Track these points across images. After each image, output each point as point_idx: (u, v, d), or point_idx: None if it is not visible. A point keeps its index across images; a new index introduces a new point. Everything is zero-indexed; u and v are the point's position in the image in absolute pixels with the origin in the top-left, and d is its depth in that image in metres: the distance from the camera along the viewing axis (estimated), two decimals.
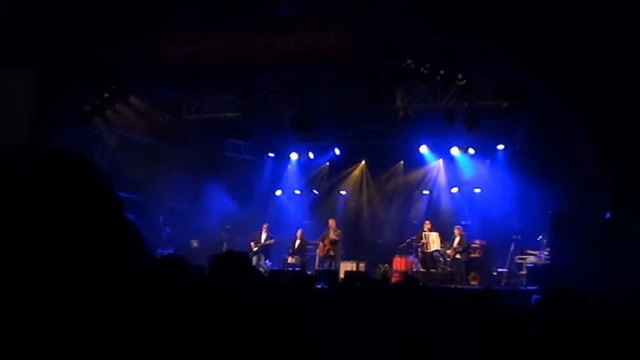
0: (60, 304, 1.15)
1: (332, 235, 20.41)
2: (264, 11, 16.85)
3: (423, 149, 22.61)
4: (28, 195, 1.17)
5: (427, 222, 20.57)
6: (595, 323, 4.41)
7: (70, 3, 15.90)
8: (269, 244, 21.20)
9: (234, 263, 4.47)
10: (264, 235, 21.29)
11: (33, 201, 1.17)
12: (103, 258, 1.21)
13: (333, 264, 20.02)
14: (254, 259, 19.96)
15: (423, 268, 19.95)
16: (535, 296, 10.22)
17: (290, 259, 20.77)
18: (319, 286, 7.97)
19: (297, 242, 20.95)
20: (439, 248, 20.07)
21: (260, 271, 15.61)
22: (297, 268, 19.86)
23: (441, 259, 20.15)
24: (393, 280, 17.51)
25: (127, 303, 1.25)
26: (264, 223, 21.76)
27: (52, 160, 1.24)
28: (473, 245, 19.95)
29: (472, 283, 18.76)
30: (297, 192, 24.67)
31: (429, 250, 20.01)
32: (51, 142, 17.21)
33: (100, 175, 1.30)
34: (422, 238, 20.17)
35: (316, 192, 24.61)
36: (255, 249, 20.64)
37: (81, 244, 1.19)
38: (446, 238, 20.27)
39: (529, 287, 16.49)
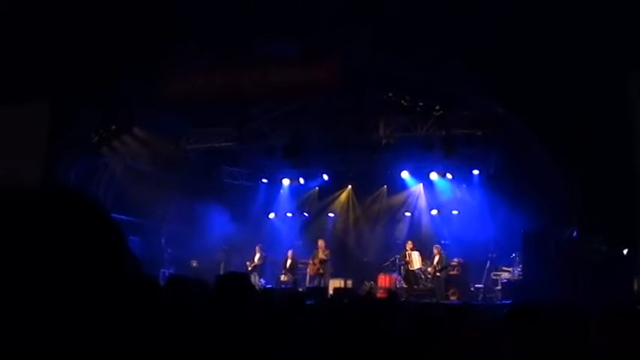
0: (65, 332, 1.14)
1: (321, 255, 20.38)
2: (256, 49, 16.94)
3: (405, 174, 22.65)
4: (33, 232, 1.16)
5: (410, 242, 20.59)
6: (559, 332, 4.42)
7: (79, 41, 15.95)
8: (261, 264, 21.16)
9: (237, 283, 4.48)
10: (257, 255, 21.25)
11: (38, 238, 1.15)
12: (105, 288, 1.21)
13: (322, 281, 19.97)
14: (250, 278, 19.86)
15: (406, 284, 19.92)
16: (510, 308, 10.24)
17: (283, 278, 20.73)
18: (309, 302, 7.95)
19: (289, 262, 20.92)
20: (421, 266, 20.06)
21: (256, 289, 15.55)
22: (289, 286, 19.83)
23: (422, 276, 20.12)
24: (378, 295, 17.50)
25: (128, 326, 1.24)
26: (257, 244, 21.74)
27: (57, 199, 1.24)
28: (452, 263, 19.95)
29: (452, 298, 18.75)
30: (289, 214, 24.64)
31: (411, 268, 20.00)
32: (63, 171, 17.22)
33: (103, 211, 1.29)
34: (405, 257, 20.16)
35: (306, 214, 24.60)
36: (250, 268, 20.58)
37: (85, 275, 1.18)
38: (426, 256, 20.27)
39: (504, 301, 16.50)
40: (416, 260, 20.04)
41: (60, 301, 1.14)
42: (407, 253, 20.18)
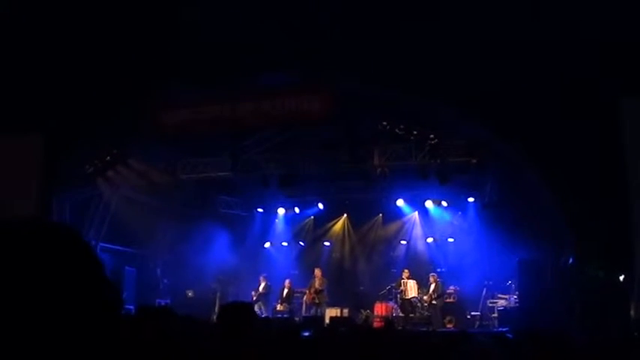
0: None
1: (317, 284, 20.29)
2: (250, 80, 17.05)
3: (400, 203, 22.63)
4: (14, 263, 1.20)
5: (406, 270, 20.54)
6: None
7: (73, 73, 16.02)
8: (265, 293, 21.07)
9: (241, 313, 4.48)
10: (262, 285, 21.15)
11: (12, 268, 1.19)
12: (84, 316, 1.24)
13: (319, 310, 19.88)
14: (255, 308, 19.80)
15: (403, 313, 19.85)
16: (508, 336, 10.21)
17: (279, 307, 20.65)
18: (306, 333, 7.91)
19: (286, 291, 20.85)
20: (417, 295, 20.01)
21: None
22: (286, 315, 19.74)
23: (418, 304, 20.06)
24: (375, 324, 17.44)
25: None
26: (258, 274, 21.68)
27: (34, 230, 1.28)
28: (448, 291, 19.93)
29: (448, 326, 18.69)
30: (285, 244, 24.57)
31: (407, 297, 19.94)
32: (58, 202, 17.22)
33: (84, 244, 1.33)
34: (401, 286, 20.11)
35: (302, 243, 24.53)
36: (255, 298, 20.48)
37: (65, 305, 1.21)
38: (422, 284, 20.23)
39: (501, 328, 16.46)
40: (411, 289, 19.99)
41: (33, 329, 1.16)
42: (403, 281, 20.12)
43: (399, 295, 20.17)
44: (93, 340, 1.24)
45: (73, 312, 1.21)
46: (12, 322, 1.15)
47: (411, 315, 19.73)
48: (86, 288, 1.26)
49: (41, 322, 1.17)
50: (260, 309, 20.14)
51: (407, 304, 19.94)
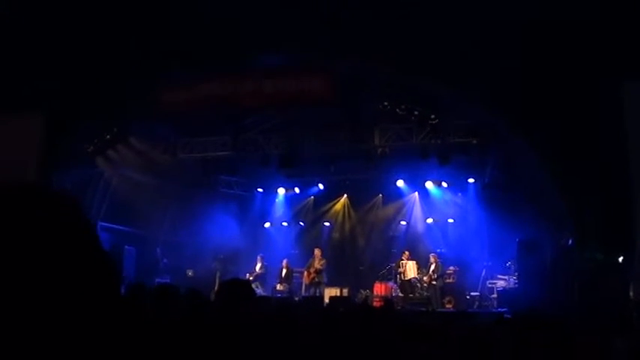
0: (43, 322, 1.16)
1: (317, 264, 20.33)
2: (252, 60, 16.99)
3: (400, 183, 22.64)
4: (13, 228, 1.19)
5: (406, 252, 20.56)
6: (554, 342, 4.44)
7: (74, 51, 15.97)
8: (262, 273, 21.16)
9: (239, 290, 4.49)
10: (258, 265, 21.25)
11: (19, 233, 1.18)
12: (78, 282, 1.22)
13: (318, 290, 19.93)
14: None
15: (402, 293, 19.91)
16: (506, 316, 10.26)
17: (278, 287, 20.72)
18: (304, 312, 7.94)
19: (284, 271, 20.91)
20: (416, 275, 20.05)
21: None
22: (285, 295, 19.80)
23: (418, 284, 20.10)
24: (374, 304, 17.48)
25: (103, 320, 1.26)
26: (258, 253, 21.78)
27: (28, 194, 1.27)
28: (447, 271, 19.95)
29: (447, 306, 18.75)
30: (285, 224, 24.63)
31: (406, 278, 19.99)
32: (58, 181, 17.21)
33: (80, 211, 1.32)
34: (400, 267, 20.14)
35: (302, 223, 24.58)
36: (251, 278, 20.53)
37: (61, 273, 1.20)
38: (422, 265, 20.26)
39: (500, 309, 16.52)
40: (410, 269, 20.01)
41: (29, 297, 1.16)
42: (402, 262, 20.15)
43: (398, 276, 20.22)
44: (90, 313, 1.23)
45: (69, 281, 1.20)
46: (6, 291, 1.14)
47: (411, 295, 19.78)
48: (82, 257, 1.25)
49: (37, 291, 1.16)
50: (257, 288, 20.20)
51: (406, 285, 19.99)
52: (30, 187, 1.28)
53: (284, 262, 21.11)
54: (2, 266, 1.16)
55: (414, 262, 20.24)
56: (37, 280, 1.17)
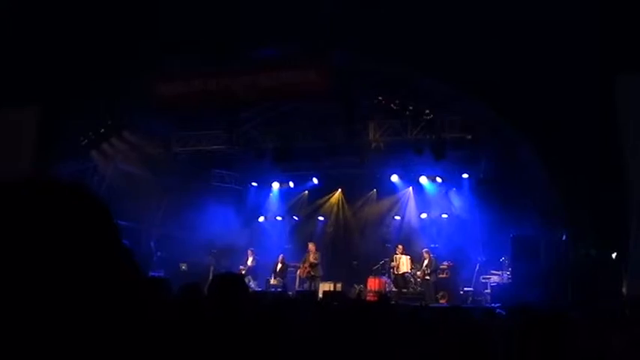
0: (57, 324, 1.13)
1: (311, 259, 20.31)
2: (247, 53, 16.97)
3: (394, 178, 22.64)
4: (33, 224, 1.15)
5: (399, 246, 20.58)
6: (548, 336, 4.44)
7: (68, 45, 15.93)
8: (253, 267, 21.18)
9: (231, 284, 4.48)
10: (250, 259, 21.27)
11: (38, 230, 1.15)
12: (102, 281, 1.20)
13: (312, 285, 19.93)
14: None
15: (396, 288, 19.92)
16: (499, 311, 10.27)
17: (272, 281, 20.72)
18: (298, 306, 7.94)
19: (279, 266, 20.90)
20: (409, 270, 20.06)
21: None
22: (279, 289, 19.81)
23: (412, 279, 20.12)
24: (368, 298, 17.51)
25: (123, 318, 1.24)
26: (249, 247, 21.76)
27: (56, 191, 1.24)
28: (441, 266, 19.96)
29: (441, 301, 18.77)
30: (279, 218, 24.63)
31: (399, 272, 20.00)
32: (51, 174, 17.17)
33: (101, 204, 1.31)
34: (394, 261, 20.15)
35: (296, 218, 24.59)
36: (242, 272, 20.53)
37: (81, 269, 1.17)
38: (416, 260, 20.27)
39: (493, 304, 16.53)
40: (404, 264, 20.03)
41: (53, 292, 1.13)
42: (396, 257, 20.17)
43: (391, 270, 20.23)
44: (109, 316, 1.21)
45: (88, 278, 1.19)
46: (20, 285, 1.12)
47: (404, 290, 19.80)
48: (104, 254, 1.23)
49: (51, 290, 1.14)
50: (249, 282, 20.20)
51: (399, 280, 20.01)
52: (41, 182, 1.25)
53: (280, 257, 21.11)
54: (20, 265, 1.13)
55: (408, 256, 20.25)
56: (58, 278, 1.15)
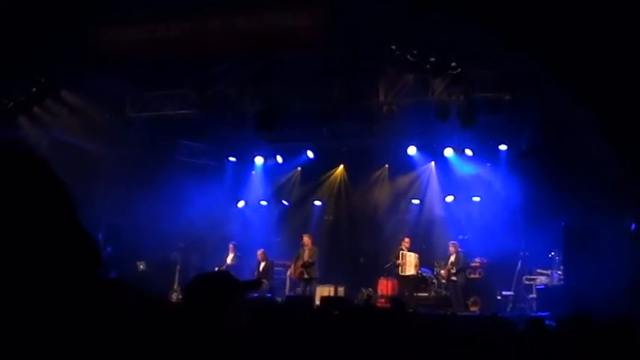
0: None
1: (306, 256, 20.21)
2: None
3: (412, 151, 22.60)
4: None
5: (406, 239, 20.54)
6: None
7: None
8: (233, 265, 21.13)
9: (218, 285, 4.37)
10: (230, 255, 21.19)
11: None
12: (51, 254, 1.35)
13: (307, 289, 19.91)
14: None
15: (407, 292, 19.88)
16: (549, 322, 10.25)
17: None
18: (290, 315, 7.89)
19: (262, 264, 20.73)
20: (415, 273, 20.02)
21: None
22: (269, 295, 19.77)
23: (434, 280, 20.12)
24: (378, 305, 17.52)
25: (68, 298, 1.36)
26: (229, 241, 21.72)
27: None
28: (472, 264, 19.93)
29: (472, 309, 18.78)
30: (263, 203, 24.67)
31: (404, 274, 19.96)
32: None
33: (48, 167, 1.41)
34: (399, 258, 20.10)
35: (286, 203, 24.60)
36: None
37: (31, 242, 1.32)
38: (439, 255, 20.28)
39: (540, 313, 16.54)
40: (410, 264, 20.00)
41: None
42: (401, 253, 20.14)
43: (396, 270, 20.18)
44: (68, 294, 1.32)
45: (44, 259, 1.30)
46: None
47: (421, 294, 19.78)
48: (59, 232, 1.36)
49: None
50: None
51: (409, 283, 19.98)
52: None
53: (259, 253, 20.91)
54: None
55: (416, 254, 20.21)
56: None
